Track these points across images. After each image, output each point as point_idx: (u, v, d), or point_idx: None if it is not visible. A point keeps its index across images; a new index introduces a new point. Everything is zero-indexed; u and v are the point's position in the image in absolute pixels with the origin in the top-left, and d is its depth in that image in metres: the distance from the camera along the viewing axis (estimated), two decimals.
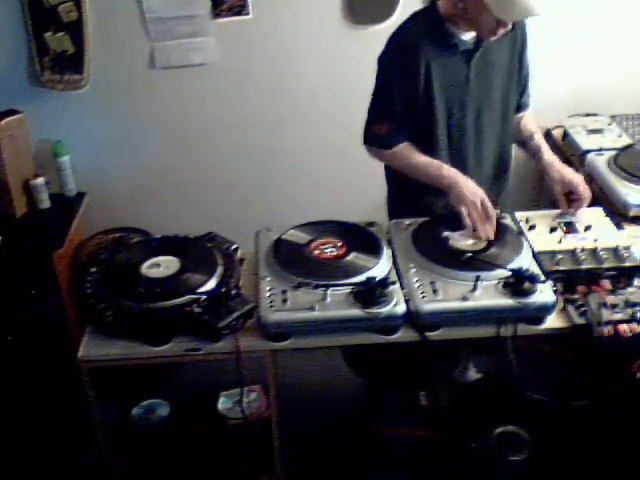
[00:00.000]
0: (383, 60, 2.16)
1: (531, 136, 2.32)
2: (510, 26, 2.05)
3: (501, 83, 2.23)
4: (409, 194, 2.32)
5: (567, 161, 2.60)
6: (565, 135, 2.98)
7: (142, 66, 3.00)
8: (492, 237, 2.05)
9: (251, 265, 2.09)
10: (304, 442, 2.54)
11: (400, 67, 2.12)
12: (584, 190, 2.18)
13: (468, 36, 2.10)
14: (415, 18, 2.15)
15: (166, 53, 2.97)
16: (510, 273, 1.89)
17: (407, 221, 2.20)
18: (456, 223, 2.10)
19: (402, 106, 2.14)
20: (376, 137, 2.21)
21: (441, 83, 2.13)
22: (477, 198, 2.07)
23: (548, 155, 2.27)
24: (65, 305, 2.77)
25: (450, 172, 2.13)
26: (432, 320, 1.86)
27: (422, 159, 2.17)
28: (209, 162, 3.22)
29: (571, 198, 2.21)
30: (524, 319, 1.88)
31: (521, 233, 2.13)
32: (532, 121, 2.38)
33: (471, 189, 2.09)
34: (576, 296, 1.93)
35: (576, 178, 2.20)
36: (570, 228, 2.16)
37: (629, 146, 2.73)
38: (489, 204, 2.08)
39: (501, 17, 1.97)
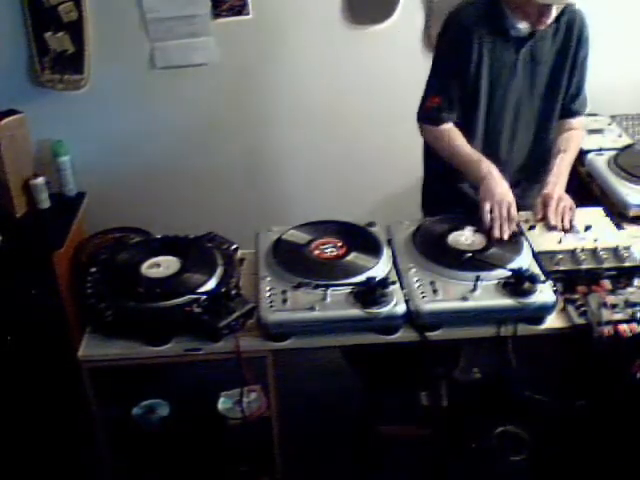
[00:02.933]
0: (441, 37, 2.23)
1: (557, 152, 2.31)
2: (553, 14, 2.06)
3: (547, 80, 2.25)
4: (447, 183, 2.36)
5: None
6: None
7: (142, 66, 3.00)
8: (506, 237, 2.06)
9: (251, 265, 2.10)
10: (304, 442, 2.54)
11: (455, 45, 2.17)
12: (550, 209, 2.16)
13: (524, 24, 2.12)
14: None
15: (166, 53, 2.97)
16: (510, 273, 1.89)
17: (407, 221, 2.21)
18: (458, 223, 2.12)
19: (458, 82, 2.20)
20: (429, 111, 2.25)
21: (489, 66, 2.17)
22: (505, 198, 2.10)
23: (551, 178, 2.25)
24: (65, 305, 2.77)
25: (489, 167, 2.16)
26: (432, 320, 1.86)
27: (466, 146, 2.22)
28: (209, 162, 3.22)
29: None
30: (524, 319, 1.88)
31: (521, 233, 2.14)
32: (574, 139, 2.36)
33: (503, 188, 2.12)
34: (576, 296, 1.93)
35: (550, 194, 2.19)
36: (570, 228, 2.16)
37: (629, 146, 2.73)
38: (514, 208, 2.10)
39: (538, 0, 1.99)
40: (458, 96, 2.22)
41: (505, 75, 2.20)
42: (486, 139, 2.29)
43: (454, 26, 2.20)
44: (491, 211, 2.09)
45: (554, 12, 2.07)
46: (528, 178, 2.41)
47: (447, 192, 2.39)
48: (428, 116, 2.27)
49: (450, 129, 2.25)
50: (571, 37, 2.22)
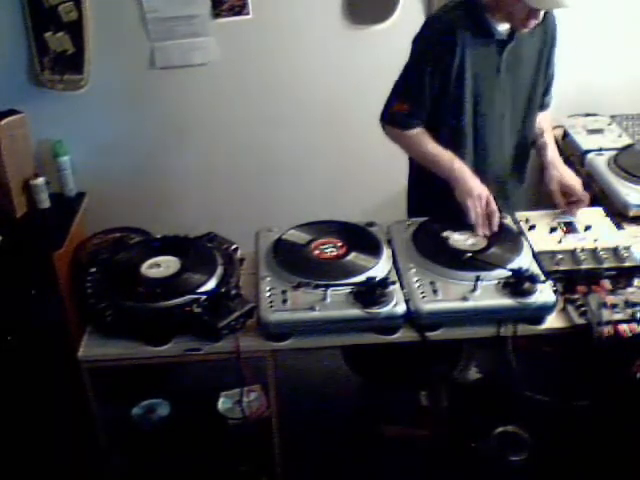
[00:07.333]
0: (418, 42, 2.16)
1: (541, 134, 2.35)
2: (541, 17, 2.05)
3: (528, 79, 2.24)
4: (429, 190, 2.32)
5: (567, 161, 2.60)
6: (565, 135, 2.98)
7: (142, 66, 2.99)
8: (488, 234, 2.08)
9: (251, 265, 2.10)
10: (304, 442, 2.54)
11: (435, 50, 2.12)
12: (581, 192, 2.22)
13: (503, 27, 2.11)
14: (454, 3, 2.16)
15: (166, 53, 2.97)
16: (510, 273, 1.89)
17: (407, 221, 2.21)
18: (457, 224, 2.11)
19: (431, 90, 2.15)
20: (395, 116, 2.20)
21: (473, 71, 2.13)
22: (481, 194, 2.10)
23: (552, 154, 2.31)
24: (65, 305, 2.77)
25: (460, 166, 2.14)
26: (432, 320, 1.86)
27: (436, 148, 2.18)
28: (209, 162, 3.22)
29: (569, 200, 2.24)
30: (524, 319, 1.88)
31: (521, 233, 2.14)
32: (547, 120, 2.41)
33: (477, 185, 2.12)
34: (576, 296, 1.93)
35: (575, 180, 2.24)
36: (570, 228, 2.16)
37: (629, 146, 2.73)
38: (492, 202, 2.10)
39: (532, 5, 1.98)
40: (437, 105, 2.17)
41: (489, 79, 2.17)
42: (475, 145, 2.25)
43: (436, 29, 2.13)
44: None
45: (542, 15, 2.05)
46: (514, 175, 2.40)
47: (430, 200, 2.35)
48: (394, 119, 2.21)
49: (418, 133, 2.19)
50: (547, 34, 2.21)
